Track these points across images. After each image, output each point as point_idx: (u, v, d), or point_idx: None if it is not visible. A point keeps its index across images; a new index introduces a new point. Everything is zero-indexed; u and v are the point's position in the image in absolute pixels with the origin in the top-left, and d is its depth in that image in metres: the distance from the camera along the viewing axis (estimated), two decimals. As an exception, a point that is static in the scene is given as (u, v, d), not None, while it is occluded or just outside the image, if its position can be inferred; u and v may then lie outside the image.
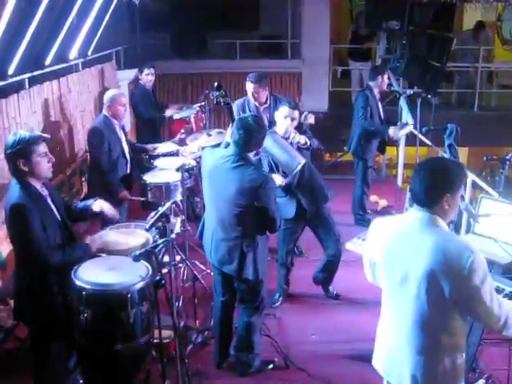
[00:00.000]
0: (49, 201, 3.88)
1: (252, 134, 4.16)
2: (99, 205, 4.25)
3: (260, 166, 4.28)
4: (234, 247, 4.31)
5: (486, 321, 2.80)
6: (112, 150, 5.86)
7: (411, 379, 2.92)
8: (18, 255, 3.91)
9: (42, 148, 3.78)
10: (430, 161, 2.99)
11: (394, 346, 3.03)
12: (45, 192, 3.89)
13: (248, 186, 4.09)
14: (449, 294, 2.69)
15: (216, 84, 5.12)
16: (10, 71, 5.48)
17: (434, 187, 2.78)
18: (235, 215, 4.21)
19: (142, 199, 6.02)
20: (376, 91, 7.42)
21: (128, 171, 6.11)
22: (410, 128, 7.54)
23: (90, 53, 8.04)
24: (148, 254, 3.68)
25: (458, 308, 2.76)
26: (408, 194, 5.13)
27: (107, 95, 6.00)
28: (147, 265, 3.79)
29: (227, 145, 4.60)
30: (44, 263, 3.69)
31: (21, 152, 3.69)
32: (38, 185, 3.83)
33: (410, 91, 8.09)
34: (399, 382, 3.01)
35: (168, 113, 8.10)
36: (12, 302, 4.80)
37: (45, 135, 3.92)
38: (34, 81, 6.10)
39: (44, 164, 3.78)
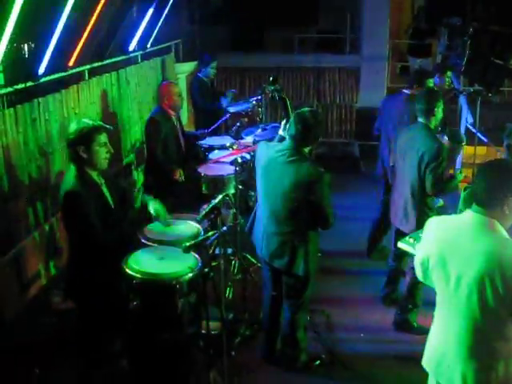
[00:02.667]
0: (104, 189, 3.98)
1: (309, 129, 4.14)
2: (155, 209, 4.27)
3: (315, 161, 4.25)
4: (286, 241, 4.30)
5: None
6: (167, 141, 5.95)
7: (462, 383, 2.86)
8: (71, 239, 4.04)
9: (103, 138, 3.90)
10: (494, 162, 2.96)
11: (446, 348, 2.96)
12: (101, 181, 3.98)
13: (304, 180, 4.07)
14: (502, 302, 2.63)
15: (271, 78, 5.11)
16: (71, 63, 5.60)
17: (497, 188, 2.72)
18: (289, 209, 4.20)
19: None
20: (436, 88, 7.27)
21: (182, 161, 6.19)
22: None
23: (149, 45, 8.13)
24: (198, 246, 3.72)
25: (510, 314, 2.68)
26: (462, 195, 4.97)
27: (163, 87, 6.08)
28: (197, 256, 3.83)
29: (281, 138, 4.58)
30: (96, 247, 3.79)
31: (82, 139, 3.82)
32: (93, 174, 3.93)
33: (469, 89, 7.89)
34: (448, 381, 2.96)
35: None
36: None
37: (107, 126, 4.04)
38: (93, 72, 6.24)
39: (102, 154, 3.89)
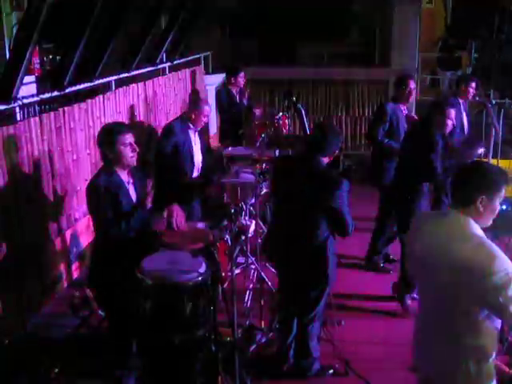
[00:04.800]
0: (130, 188, 4.17)
1: (326, 139, 4.21)
2: (169, 210, 4.36)
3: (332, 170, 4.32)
4: (306, 252, 4.33)
5: None
6: (179, 152, 5.96)
7: (435, 375, 2.99)
8: (94, 227, 4.28)
9: (127, 138, 4.08)
10: (472, 162, 3.10)
11: (423, 340, 3.09)
12: (129, 180, 4.18)
13: (322, 189, 4.13)
14: (471, 298, 2.70)
15: (286, 91, 5.19)
16: (97, 73, 5.77)
17: (469, 185, 2.80)
18: (307, 217, 4.26)
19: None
20: (460, 100, 7.24)
21: (193, 174, 6.17)
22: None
23: (177, 56, 8.29)
24: (208, 252, 3.80)
25: (481, 311, 2.74)
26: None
27: (195, 101, 6.13)
28: (206, 262, 3.91)
29: (300, 149, 4.65)
30: (111, 236, 4.01)
31: (106, 139, 4.07)
32: (122, 172, 4.14)
33: (495, 101, 7.83)
34: (427, 376, 3.10)
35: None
36: (88, 291, 5.12)
37: (129, 126, 4.33)
38: (120, 83, 6.40)
39: (127, 153, 4.07)
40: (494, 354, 2.89)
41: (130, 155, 4.08)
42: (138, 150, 4.13)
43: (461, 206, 2.82)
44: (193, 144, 6.04)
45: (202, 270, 3.80)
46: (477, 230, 2.81)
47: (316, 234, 4.27)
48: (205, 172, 6.26)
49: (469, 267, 2.66)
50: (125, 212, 4.02)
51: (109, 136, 4.05)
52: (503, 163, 7.25)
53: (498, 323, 2.86)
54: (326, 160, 4.30)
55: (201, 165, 6.21)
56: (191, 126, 5.99)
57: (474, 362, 2.84)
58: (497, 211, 2.87)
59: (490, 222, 2.89)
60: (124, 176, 4.16)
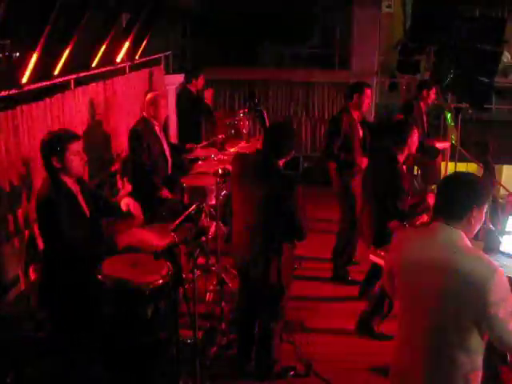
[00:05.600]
0: (78, 197, 4.03)
1: (280, 142, 4.21)
2: (126, 203, 4.34)
3: (288, 173, 4.32)
4: (260, 252, 4.34)
5: (506, 342, 2.69)
6: (151, 151, 6.01)
7: None
8: (45, 246, 4.09)
9: (76, 146, 3.94)
10: (456, 175, 3.01)
11: (409, 360, 2.94)
12: (76, 188, 4.04)
13: (275, 192, 4.13)
14: (467, 314, 2.65)
15: (249, 92, 5.18)
16: (56, 71, 5.66)
17: (463, 199, 2.74)
18: (261, 221, 4.26)
19: (180, 198, 6.12)
20: (422, 104, 7.37)
21: (168, 172, 6.25)
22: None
23: (137, 56, 8.21)
24: (171, 253, 3.76)
25: (476, 327, 2.68)
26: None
27: (147, 97, 6.16)
28: (169, 264, 3.87)
29: (258, 151, 4.65)
30: (68, 254, 3.82)
31: (54, 149, 3.88)
32: (69, 181, 3.98)
33: (450, 105, 8.00)
34: None
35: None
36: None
37: (77, 134, 4.10)
38: (79, 82, 6.29)
39: (76, 162, 3.95)
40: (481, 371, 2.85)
41: (79, 164, 3.97)
42: (86, 158, 4.03)
43: (452, 220, 2.75)
44: (162, 142, 6.10)
45: (164, 272, 3.76)
46: (468, 242, 2.76)
47: (269, 236, 4.29)
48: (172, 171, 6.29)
49: (469, 281, 2.61)
50: (82, 223, 3.93)
51: (57, 144, 3.87)
52: (460, 166, 7.41)
53: (483, 342, 2.79)
54: (282, 161, 4.31)
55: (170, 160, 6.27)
56: (155, 122, 6.03)
57: (464, 376, 2.78)
58: (482, 221, 2.84)
59: (474, 233, 2.86)
60: (71, 185, 4.02)
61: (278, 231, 4.26)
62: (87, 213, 4.04)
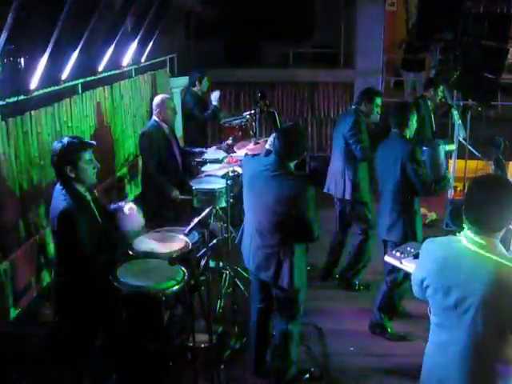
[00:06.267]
0: (92, 205, 4.00)
1: (292, 144, 4.19)
2: (130, 207, 4.24)
3: (300, 174, 4.31)
4: (271, 254, 4.32)
5: None
6: (162, 154, 6.01)
7: None
8: (63, 256, 4.01)
9: (89, 155, 3.89)
10: (492, 184, 2.78)
11: (446, 372, 2.89)
12: (89, 197, 4.01)
13: (286, 195, 4.11)
14: (506, 323, 2.62)
15: (259, 94, 5.15)
16: (64, 76, 5.65)
17: (506, 214, 2.67)
18: (273, 223, 4.23)
19: (190, 198, 6.09)
20: (429, 102, 7.35)
21: (178, 174, 6.24)
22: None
23: (143, 59, 8.20)
24: (185, 259, 3.75)
25: None
26: (449, 208, 5.01)
27: (156, 100, 6.15)
28: (183, 269, 3.85)
29: (268, 153, 4.63)
30: (89, 265, 3.78)
31: (68, 159, 3.81)
32: (82, 189, 3.95)
33: (462, 103, 7.96)
34: None
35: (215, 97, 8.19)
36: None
37: (91, 142, 4.06)
38: (87, 86, 6.28)
39: (90, 170, 3.90)
40: None
41: (92, 172, 3.93)
42: (99, 166, 3.98)
43: (490, 231, 2.69)
44: (172, 144, 6.11)
45: (180, 277, 3.74)
46: (502, 248, 2.72)
47: (280, 238, 4.26)
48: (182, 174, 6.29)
49: (507, 292, 2.59)
50: (98, 231, 3.91)
51: (70, 154, 3.81)
52: (470, 164, 7.37)
53: None
54: (293, 164, 4.29)
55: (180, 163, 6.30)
56: (164, 125, 6.04)
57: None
58: None
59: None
60: (84, 193, 3.98)
61: (290, 233, 4.24)
62: (100, 220, 4.01)
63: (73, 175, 3.82)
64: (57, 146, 3.89)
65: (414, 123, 5.28)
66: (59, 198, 3.81)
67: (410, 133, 5.25)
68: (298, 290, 4.41)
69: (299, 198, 4.09)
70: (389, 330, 5.41)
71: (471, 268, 2.69)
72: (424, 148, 5.36)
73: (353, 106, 6.15)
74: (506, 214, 2.67)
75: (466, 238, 2.75)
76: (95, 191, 4.27)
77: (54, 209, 3.84)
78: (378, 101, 6.10)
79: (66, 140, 3.89)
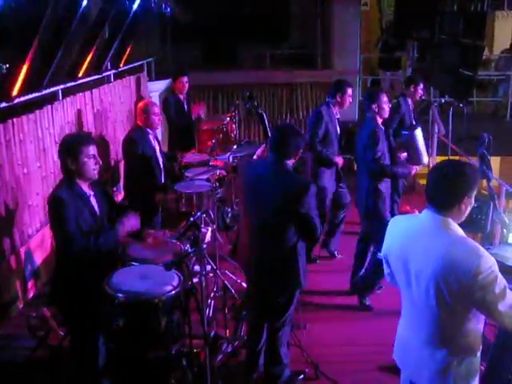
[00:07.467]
0: (92, 201, 4.01)
1: (288, 142, 4.16)
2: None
3: (298, 173, 4.31)
4: (276, 257, 4.27)
5: (501, 321, 2.79)
6: (146, 159, 5.96)
7: (425, 374, 2.97)
8: (56, 248, 4.09)
9: (91, 150, 3.94)
10: (445, 163, 3.00)
11: (410, 339, 3.07)
12: (90, 192, 4.02)
13: (291, 192, 4.06)
14: (458, 298, 2.73)
15: (247, 94, 5.13)
16: (44, 83, 5.58)
17: (454, 190, 2.82)
18: (278, 223, 4.18)
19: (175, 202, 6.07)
20: (409, 100, 7.39)
21: (163, 180, 6.21)
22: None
23: (121, 64, 8.14)
24: (179, 263, 3.71)
25: (468, 310, 2.79)
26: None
27: (140, 105, 6.10)
28: (178, 274, 3.81)
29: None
30: (81, 260, 3.80)
31: (69, 151, 3.89)
32: (84, 185, 3.98)
33: (441, 100, 8.03)
34: (414, 375, 3.09)
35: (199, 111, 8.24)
36: (46, 309, 4.94)
37: (93, 138, 4.14)
38: (67, 92, 6.21)
39: (90, 165, 3.93)
40: (479, 352, 2.94)
41: (93, 168, 3.95)
42: (100, 162, 4.00)
43: (442, 209, 2.83)
44: (156, 150, 6.06)
45: (176, 283, 3.70)
46: (458, 229, 2.85)
47: (285, 239, 4.22)
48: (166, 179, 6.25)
49: (456, 267, 2.69)
50: (92, 226, 3.88)
51: (72, 146, 3.89)
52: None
53: (482, 323, 2.91)
54: (291, 162, 4.26)
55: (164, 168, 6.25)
56: (149, 131, 6.00)
57: (463, 360, 2.88)
58: (472, 205, 2.90)
59: (464, 218, 2.93)
60: (85, 188, 4.00)
61: (292, 233, 4.21)
62: (99, 217, 4.01)
63: (73, 167, 3.88)
64: (63, 138, 4.05)
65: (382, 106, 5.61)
66: (57, 187, 3.95)
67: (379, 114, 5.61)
68: (298, 291, 4.40)
69: (303, 195, 4.04)
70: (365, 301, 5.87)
71: (425, 244, 2.85)
72: (403, 132, 5.53)
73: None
74: (454, 190, 2.82)
75: (425, 216, 2.92)
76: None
77: (49, 195, 3.96)
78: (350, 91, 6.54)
79: (71, 133, 4.10)
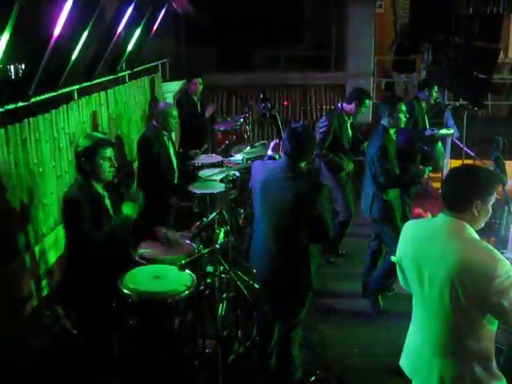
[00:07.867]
0: (106, 201, 4.06)
1: (303, 144, 4.16)
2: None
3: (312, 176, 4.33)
4: (289, 258, 4.27)
5: None
6: (161, 160, 5.99)
7: (438, 381, 2.91)
8: (68, 244, 4.16)
9: (108, 152, 4.00)
10: (461, 167, 3.07)
11: (422, 347, 3.03)
12: (104, 193, 4.08)
13: (305, 194, 4.07)
14: (473, 301, 2.70)
15: (262, 96, 5.12)
16: (60, 83, 5.61)
17: (464, 192, 2.81)
18: (292, 224, 4.17)
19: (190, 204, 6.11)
20: (423, 103, 7.37)
21: (176, 181, 6.23)
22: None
23: (136, 65, 8.17)
24: (193, 264, 3.72)
25: (483, 315, 2.75)
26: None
27: (159, 107, 6.13)
28: (192, 274, 3.83)
29: (270, 158, 4.61)
30: (90, 256, 3.86)
31: (85, 152, 3.95)
32: (98, 185, 4.04)
33: (455, 103, 7.99)
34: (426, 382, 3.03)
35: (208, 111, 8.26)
36: (59, 308, 4.96)
37: (110, 141, 4.20)
38: (82, 92, 6.25)
39: (105, 167, 3.99)
40: (493, 358, 2.90)
41: (108, 170, 3.99)
42: (116, 165, 4.03)
43: (455, 212, 2.82)
44: (171, 152, 6.08)
45: (189, 283, 3.71)
46: (474, 233, 2.83)
47: (297, 241, 4.23)
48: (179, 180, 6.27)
49: (472, 272, 2.66)
50: (104, 225, 3.91)
51: (89, 148, 3.94)
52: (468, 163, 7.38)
53: (495, 329, 2.88)
54: (304, 164, 4.27)
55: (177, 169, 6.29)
56: (164, 132, 6.03)
57: (479, 365, 2.84)
58: (490, 213, 2.88)
59: (483, 224, 2.90)
60: (100, 189, 4.06)
61: (304, 234, 4.22)
62: (113, 216, 4.07)
63: (88, 168, 3.94)
64: (81, 139, 4.13)
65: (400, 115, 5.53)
66: (71, 187, 4.05)
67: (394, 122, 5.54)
68: (312, 293, 4.40)
69: (317, 196, 4.05)
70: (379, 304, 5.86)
71: (440, 247, 2.82)
72: (424, 147, 5.45)
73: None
74: (464, 192, 2.81)
75: (441, 220, 2.91)
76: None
77: (64, 196, 4.05)
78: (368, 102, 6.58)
79: (89, 134, 4.15)
